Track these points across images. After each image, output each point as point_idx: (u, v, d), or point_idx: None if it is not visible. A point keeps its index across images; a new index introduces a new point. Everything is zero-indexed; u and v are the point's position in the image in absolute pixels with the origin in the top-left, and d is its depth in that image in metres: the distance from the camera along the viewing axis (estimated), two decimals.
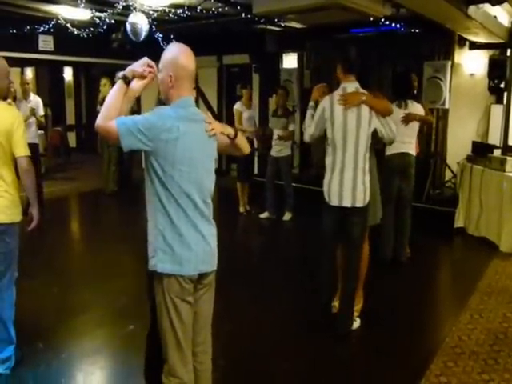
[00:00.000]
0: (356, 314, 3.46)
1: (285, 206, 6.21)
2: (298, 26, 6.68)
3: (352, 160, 3.12)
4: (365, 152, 3.13)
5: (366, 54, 6.86)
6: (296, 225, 6.10)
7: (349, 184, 3.12)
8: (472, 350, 3.11)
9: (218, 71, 9.39)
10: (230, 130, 2.13)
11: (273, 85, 7.66)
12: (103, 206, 7.45)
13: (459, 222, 5.73)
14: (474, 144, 6.03)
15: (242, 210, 6.53)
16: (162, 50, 2.01)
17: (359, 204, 3.15)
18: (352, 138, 3.10)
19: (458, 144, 6.59)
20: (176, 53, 1.95)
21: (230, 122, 8.85)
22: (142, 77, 1.93)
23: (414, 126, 4.57)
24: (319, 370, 2.93)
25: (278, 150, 6.10)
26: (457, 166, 6.10)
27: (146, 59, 1.95)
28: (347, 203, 3.14)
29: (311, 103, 3.36)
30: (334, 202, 3.17)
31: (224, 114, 9.50)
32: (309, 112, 3.33)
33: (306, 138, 3.31)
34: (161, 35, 7.55)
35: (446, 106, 6.35)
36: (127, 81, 1.90)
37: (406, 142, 4.53)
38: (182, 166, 1.90)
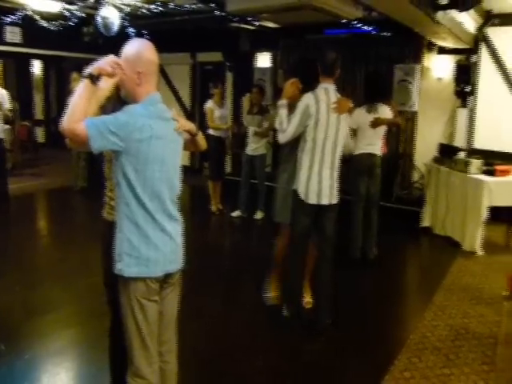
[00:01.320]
0: (311, 300, 3.62)
1: (257, 205, 6.23)
2: (271, 25, 6.71)
3: (330, 160, 3.20)
4: (339, 154, 3.26)
5: (339, 56, 6.96)
6: (267, 223, 6.13)
7: (327, 183, 3.21)
8: (435, 346, 3.21)
9: (191, 69, 9.33)
10: (192, 127, 2.12)
11: (246, 83, 7.67)
12: (72, 203, 7.30)
13: (426, 222, 5.88)
14: (441, 146, 6.19)
15: (214, 208, 6.51)
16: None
17: (335, 201, 3.26)
18: (332, 138, 3.17)
19: (425, 145, 6.76)
20: (140, 48, 1.89)
21: (203, 119, 8.86)
22: (110, 75, 1.83)
23: (381, 129, 4.67)
24: (287, 369, 2.96)
25: (254, 148, 6.12)
26: (424, 167, 6.26)
27: (112, 57, 1.85)
28: (325, 201, 3.22)
29: (284, 101, 3.26)
30: (312, 200, 3.21)
31: (197, 112, 9.45)
32: (283, 111, 3.23)
33: (283, 139, 3.21)
34: (134, 30, 7.45)
35: (415, 109, 6.52)
36: (93, 79, 1.80)
37: (373, 144, 4.64)
38: (155, 164, 1.87)
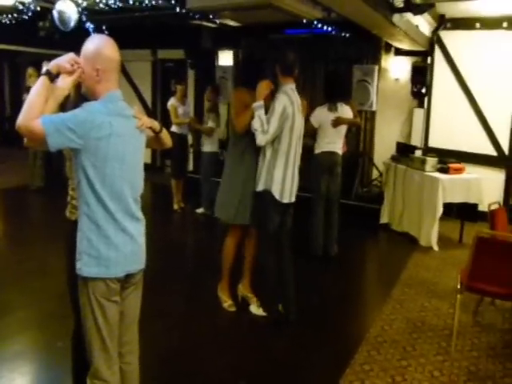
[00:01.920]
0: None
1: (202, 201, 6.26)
2: (233, 23, 6.69)
3: (297, 158, 3.34)
4: (300, 151, 3.38)
5: (300, 55, 7.02)
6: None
7: (295, 181, 3.36)
8: (393, 339, 3.30)
9: (152, 65, 9.19)
10: (155, 124, 2.09)
11: (208, 81, 7.61)
12: (28, 203, 7.04)
13: (384, 219, 6.04)
14: (398, 144, 6.37)
15: (176, 207, 6.46)
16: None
17: (293, 199, 3.40)
18: (299, 139, 3.33)
19: (384, 144, 6.93)
20: (100, 44, 1.86)
21: (164, 116, 8.74)
22: (69, 73, 1.79)
23: (342, 128, 4.76)
24: (248, 366, 2.97)
25: (206, 145, 6.19)
26: (383, 166, 6.43)
27: (71, 55, 1.82)
28: (293, 198, 3.37)
29: (260, 102, 3.21)
30: (286, 199, 3.31)
31: (158, 109, 9.32)
32: (261, 112, 3.19)
33: (263, 140, 3.17)
34: (92, 25, 7.25)
35: (374, 108, 6.66)
36: (52, 77, 1.76)
37: (334, 143, 4.72)
38: (115, 162, 1.84)
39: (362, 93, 6.48)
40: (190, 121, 6.42)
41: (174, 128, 6.24)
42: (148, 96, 9.32)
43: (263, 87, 3.24)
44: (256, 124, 3.19)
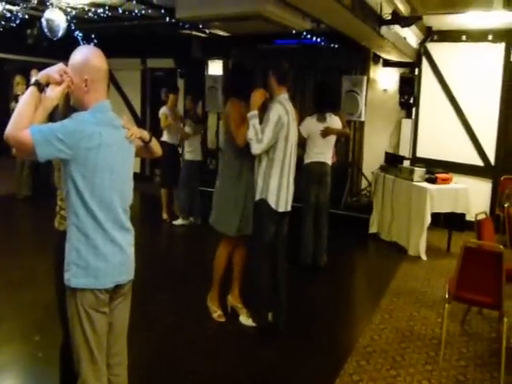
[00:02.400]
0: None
1: (193, 211, 6.27)
2: (223, 33, 6.74)
3: (292, 168, 3.36)
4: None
5: (289, 65, 7.10)
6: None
7: (290, 190, 3.38)
8: (382, 349, 3.31)
9: (141, 74, 9.20)
10: (145, 134, 2.10)
11: (198, 91, 7.64)
12: (15, 212, 6.95)
13: (373, 228, 6.08)
14: (387, 154, 6.44)
15: (165, 216, 6.43)
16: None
17: (289, 208, 3.42)
18: (294, 148, 3.36)
19: (372, 154, 7.00)
20: (88, 55, 1.87)
21: (154, 126, 8.73)
22: (58, 83, 1.80)
23: (331, 139, 4.81)
24: (237, 375, 2.95)
25: (185, 152, 6.24)
26: (371, 175, 6.48)
27: (61, 65, 1.82)
28: (289, 207, 3.38)
29: (255, 112, 3.23)
30: (282, 208, 3.32)
31: (148, 118, 9.31)
32: (255, 122, 3.20)
33: (258, 149, 3.19)
34: (81, 34, 7.25)
35: (362, 119, 6.72)
36: (41, 87, 1.76)
37: (323, 153, 4.76)
38: (104, 173, 1.84)
39: (350, 103, 6.54)
40: (180, 123, 6.37)
41: (164, 137, 6.24)
42: (137, 105, 9.31)
43: (258, 96, 3.24)
44: (251, 133, 3.20)
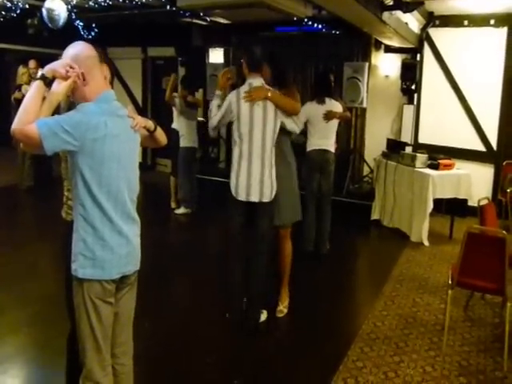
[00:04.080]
0: (285, 309, 3.57)
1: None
2: (223, 21, 6.65)
3: (259, 153, 3.15)
4: (271, 145, 3.18)
5: (290, 53, 7.03)
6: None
7: (256, 178, 3.15)
8: (385, 335, 3.31)
9: (142, 63, 9.11)
10: (150, 123, 2.09)
11: (199, 79, 7.58)
12: (18, 203, 6.94)
13: (375, 215, 6.06)
14: (389, 141, 6.39)
15: (173, 205, 6.41)
16: (82, 38, 1.90)
17: (266, 199, 3.19)
18: (258, 131, 3.14)
19: (374, 141, 6.94)
20: (77, 47, 1.87)
21: (156, 115, 8.68)
22: (64, 78, 1.78)
23: (334, 123, 4.74)
24: (239, 367, 2.96)
25: (181, 139, 6.13)
26: (373, 162, 6.44)
27: (67, 61, 1.81)
28: (255, 198, 3.17)
29: (218, 92, 3.33)
30: (242, 196, 3.18)
31: (149, 107, 9.25)
32: (214, 102, 3.29)
33: (209, 131, 3.31)
34: (81, 23, 7.16)
35: (364, 105, 6.66)
36: (47, 82, 1.76)
37: (326, 138, 4.70)
38: (111, 163, 1.84)
39: (352, 90, 6.48)
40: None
41: (174, 125, 6.19)
42: (138, 94, 9.24)
43: (221, 76, 3.37)
44: (209, 111, 3.33)
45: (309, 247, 4.78)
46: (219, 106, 3.25)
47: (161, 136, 2.19)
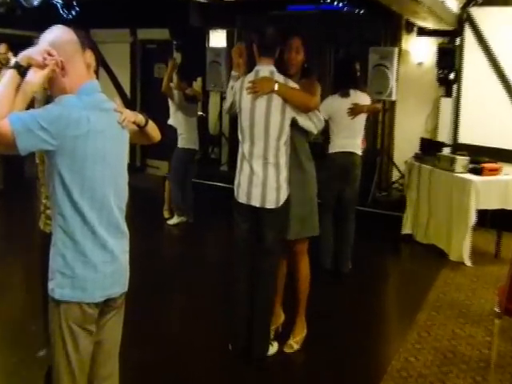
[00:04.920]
0: (296, 345, 3.51)
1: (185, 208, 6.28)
2: None
3: (261, 153, 3.16)
4: (278, 144, 3.16)
5: (305, 36, 7.04)
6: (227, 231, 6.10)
7: (258, 180, 3.16)
8: (419, 373, 3.27)
9: (131, 48, 9.19)
10: (140, 118, 2.11)
11: (198, 66, 7.62)
12: None
13: (407, 228, 6.02)
14: (423, 141, 6.37)
15: (166, 215, 6.42)
16: (61, 18, 1.92)
17: (270, 205, 3.17)
18: (260, 128, 3.14)
19: (405, 140, 6.94)
20: (55, 32, 1.87)
21: (146, 108, 8.72)
22: (41, 67, 1.79)
23: (361, 119, 4.74)
24: None
25: (179, 139, 6.15)
26: (404, 165, 6.42)
27: (45, 46, 1.82)
28: (256, 202, 3.18)
29: (233, 72, 3.41)
30: (242, 198, 3.23)
31: (138, 98, 9.31)
32: (230, 83, 3.41)
33: (224, 110, 3.57)
34: (60, 1, 7.24)
35: (393, 98, 6.66)
36: (21, 70, 1.76)
37: (352, 137, 4.68)
38: (95, 164, 1.85)
39: (379, 80, 6.48)
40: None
41: (171, 121, 6.22)
42: (126, 83, 9.32)
43: (233, 54, 3.44)
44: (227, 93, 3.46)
45: (325, 264, 4.76)
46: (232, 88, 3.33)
47: (153, 131, 2.21)
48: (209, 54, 7.87)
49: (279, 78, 3.17)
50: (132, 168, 8.60)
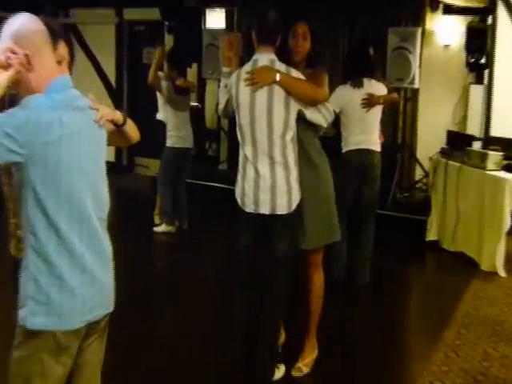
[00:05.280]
0: (306, 368, 3.50)
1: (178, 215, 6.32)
2: None
3: (266, 152, 3.16)
4: (283, 142, 3.16)
5: (312, 16, 7.05)
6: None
7: (266, 184, 3.16)
8: None
9: (116, 29, 9.21)
10: (118, 115, 2.08)
11: (193, 50, 7.64)
12: None
13: (432, 234, 6.03)
14: (450, 134, 6.37)
15: (158, 220, 6.44)
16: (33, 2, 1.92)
17: (281, 210, 3.17)
18: (263, 124, 3.14)
19: (430, 134, 6.94)
20: (18, 21, 1.85)
21: (135, 100, 8.74)
22: (4, 67, 1.78)
23: (377, 112, 4.75)
24: None
25: (168, 136, 6.14)
26: (429, 162, 6.42)
27: (8, 43, 1.80)
28: (265, 210, 3.17)
29: (224, 68, 3.46)
30: (249, 207, 3.21)
31: (125, 88, 9.32)
32: (222, 81, 3.48)
33: (219, 112, 3.58)
34: None
35: (416, 86, 6.66)
36: None
37: (367, 134, 4.69)
38: (71, 171, 1.84)
39: (399, 65, 6.48)
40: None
41: (160, 115, 6.24)
42: (111, 71, 9.34)
43: (223, 44, 3.58)
44: (219, 93, 3.51)
45: (338, 276, 4.77)
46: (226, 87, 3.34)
47: (132, 130, 2.18)
48: (205, 37, 7.89)
49: (281, 67, 3.17)
50: (118, 167, 8.76)
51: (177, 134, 6.10)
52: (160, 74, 6.08)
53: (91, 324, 1.96)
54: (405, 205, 6.66)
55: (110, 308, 2.04)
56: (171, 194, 6.21)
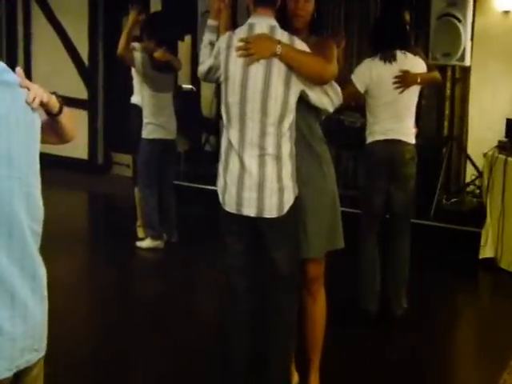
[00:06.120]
0: None
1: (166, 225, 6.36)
2: None
3: (256, 142, 3.18)
4: (278, 129, 3.18)
5: None
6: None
7: (253, 180, 3.19)
8: None
9: None
10: (53, 100, 1.96)
11: (185, 18, 7.68)
12: None
13: (487, 250, 6.01)
14: (510, 124, 6.35)
15: (141, 233, 6.45)
16: None
17: (270, 213, 3.21)
18: (255, 106, 3.16)
19: (485, 123, 6.96)
20: None
21: (113, 80, 8.77)
22: None
23: (412, 94, 4.72)
24: None
25: (144, 126, 6.16)
26: (483, 160, 6.41)
27: None
28: (250, 211, 3.20)
29: (210, 21, 3.54)
30: (231, 207, 3.24)
31: (100, 66, 9.34)
32: (206, 37, 3.51)
33: (198, 74, 3.55)
34: None
35: (467, 63, 6.65)
36: None
37: (398, 122, 4.68)
38: None
39: (446, 36, 6.49)
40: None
41: (134, 98, 6.26)
42: (83, 45, 9.37)
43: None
44: (200, 51, 3.56)
45: (370, 306, 4.76)
46: (212, 45, 3.35)
47: (69, 121, 2.08)
48: (200, 3, 7.92)
49: (283, 36, 3.18)
50: (91, 167, 8.77)
51: (154, 121, 6.07)
52: (134, 45, 6.07)
53: (21, 372, 1.92)
54: (453, 213, 6.66)
55: (43, 350, 1.99)
56: (155, 200, 6.21)
